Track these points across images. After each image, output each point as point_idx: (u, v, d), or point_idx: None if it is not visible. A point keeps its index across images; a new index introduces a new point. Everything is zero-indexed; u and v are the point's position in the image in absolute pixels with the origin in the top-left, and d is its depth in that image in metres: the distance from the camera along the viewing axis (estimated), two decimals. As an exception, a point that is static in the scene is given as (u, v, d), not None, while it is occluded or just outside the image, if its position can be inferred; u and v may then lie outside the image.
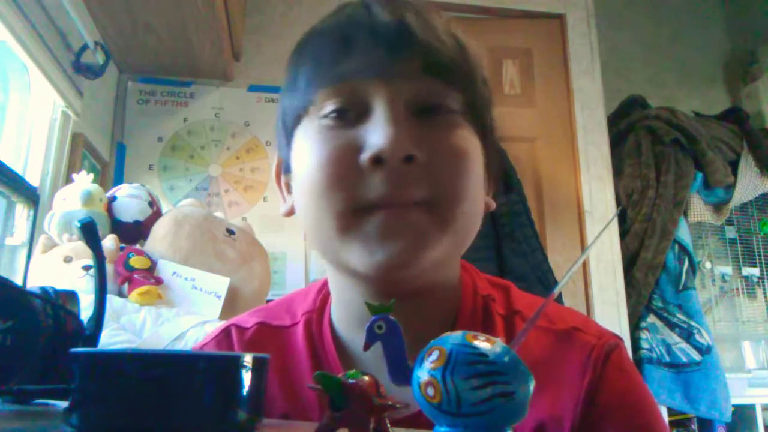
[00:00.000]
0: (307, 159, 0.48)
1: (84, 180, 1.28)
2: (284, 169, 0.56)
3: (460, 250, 0.50)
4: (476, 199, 0.48)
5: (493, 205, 0.55)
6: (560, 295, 1.90)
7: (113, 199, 1.32)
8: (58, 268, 1.12)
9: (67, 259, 1.13)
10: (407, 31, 0.46)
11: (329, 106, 0.47)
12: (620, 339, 0.53)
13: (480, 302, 0.54)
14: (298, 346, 0.55)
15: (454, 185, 0.46)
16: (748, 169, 2.49)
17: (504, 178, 1.89)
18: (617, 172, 2.34)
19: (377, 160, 0.43)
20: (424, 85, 0.46)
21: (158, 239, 1.26)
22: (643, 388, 0.52)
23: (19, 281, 1.30)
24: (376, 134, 0.44)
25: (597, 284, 2.13)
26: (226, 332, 0.58)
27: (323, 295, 0.58)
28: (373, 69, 0.46)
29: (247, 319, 0.59)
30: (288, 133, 0.52)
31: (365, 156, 0.44)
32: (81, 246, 1.15)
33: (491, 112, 0.53)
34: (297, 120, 0.50)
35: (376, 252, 0.45)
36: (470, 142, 0.48)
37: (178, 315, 1.09)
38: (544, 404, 0.48)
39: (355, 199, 0.45)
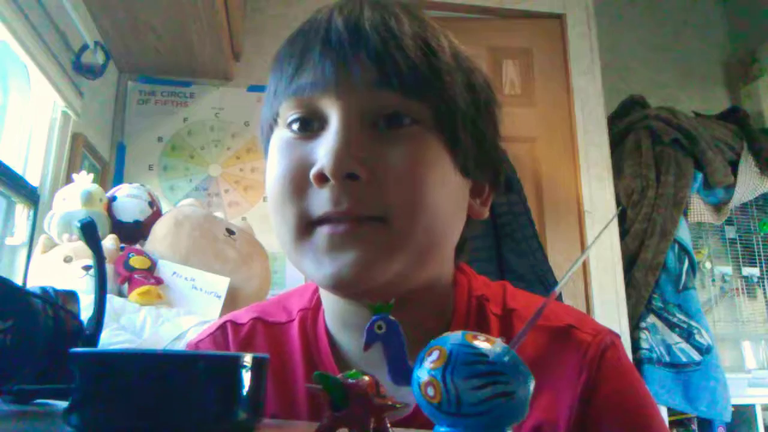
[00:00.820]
0: (271, 170, 0.49)
1: (84, 180, 1.28)
2: None
3: (427, 263, 0.48)
4: (440, 212, 0.46)
5: (483, 212, 0.54)
6: (560, 295, 1.90)
7: (113, 199, 1.32)
8: (58, 268, 1.12)
9: (67, 259, 1.13)
10: (361, 40, 0.45)
11: (291, 118, 0.48)
12: (617, 336, 0.53)
13: (474, 303, 0.54)
14: (292, 343, 0.56)
15: (406, 201, 0.45)
16: (748, 169, 2.49)
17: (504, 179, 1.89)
18: (617, 172, 2.34)
19: (321, 177, 0.44)
20: (379, 97, 0.45)
21: (158, 239, 1.26)
22: (640, 386, 0.51)
23: (19, 281, 1.30)
24: (322, 150, 0.44)
25: (597, 284, 2.13)
26: (222, 328, 0.59)
27: (319, 293, 0.58)
28: (326, 81, 0.45)
29: (243, 314, 0.59)
30: (264, 140, 0.53)
31: (311, 173, 0.45)
32: (81, 246, 1.15)
33: (483, 117, 0.51)
34: (270, 129, 0.51)
35: (324, 265, 0.45)
36: (430, 153, 0.46)
37: (178, 315, 1.09)
38: (540, 405, 0.48)
39: (306, 214, 0.46)
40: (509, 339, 0.28)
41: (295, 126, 0.48)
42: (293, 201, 0.46)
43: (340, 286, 0.46)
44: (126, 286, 1.14)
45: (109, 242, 1.18)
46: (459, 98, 0.48)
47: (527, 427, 0.47)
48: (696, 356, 2.15)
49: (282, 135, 0.49)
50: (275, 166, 0.48)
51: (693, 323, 2.21)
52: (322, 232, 0.45)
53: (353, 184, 0.44)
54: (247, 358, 0.32)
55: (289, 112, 0.48)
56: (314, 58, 0.46)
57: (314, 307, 0.57)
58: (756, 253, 2.69)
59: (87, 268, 1.10)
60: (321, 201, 0.45)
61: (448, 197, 0.48)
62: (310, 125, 0.47)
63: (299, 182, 0.46)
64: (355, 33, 0.46)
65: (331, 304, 0.55)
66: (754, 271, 2.67)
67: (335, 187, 0.44)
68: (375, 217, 0.45)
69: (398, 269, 0.46)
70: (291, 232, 0.47)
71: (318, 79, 0.46)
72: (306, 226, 0.46)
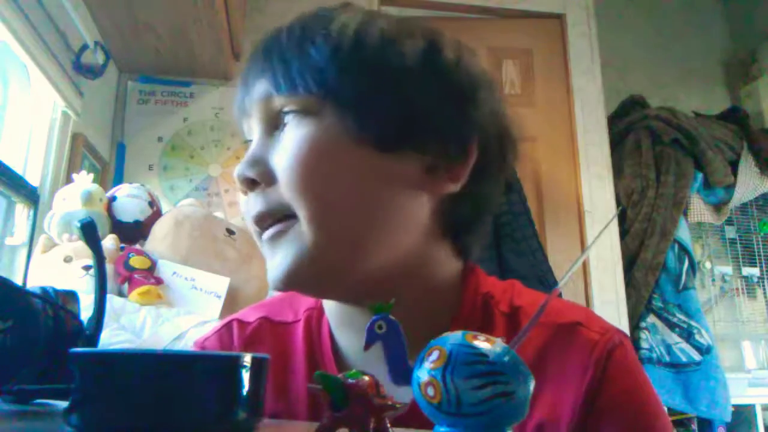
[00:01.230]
0: None
1: (84, 180, 1.28)
2: None
3: (362, 249, 0.47)
4: (343, 196, 0.46)
5: (450, 188, 0.49)
6: (560, 295, 1.90)
7: (113, 199, 1.32)
8: (58, 268, 1.12)
9: (67, 259, 1.13)
10: (258, 62, 0.51)
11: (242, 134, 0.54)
12: (625, 336, 0.51)
13: (479, 301, 0.53)
14: (296, 342, 0.56)
15: (297, 194, 0.45)
16: (748, 169, 2.49)
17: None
18: (617, 172, 2.34)
19: (242, 188, 0.49)
20: (270, 105, 0.49)
21: (158, 239, 1.26)
22: (647, 387, 0.50)
23: (19, 281, 1.30)
24: None
25: (597, 284, 2.13)
26: (227, 326, 0.59)
27: None
28: (242, 106, 0.52)
29: (251, 313, 0.60)
30: None
31: None
32: (81, 246, 1.15)
33: (414, 89, 0.48)
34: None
35: (268, 271, 0.49)
36: (315, 142, 0.46)
37: (178, 315, 1.09)
38: (544, 403, 0.47)
39: (252, 228, 0.51)
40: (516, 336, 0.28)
41: (245, 141, 0.53)
42: (246, 216, 0.52)
43: (280, 288, 0.48)
44: (126, 286, 1.14)
45: (109, 242, 1.18)
46: (352, 81, 0.47)
47: (530, 425, 0.47)
48: (696, 356, 2.15)
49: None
50: None
51: (693, 323, 2.21)
52: (262, 239, 0.50)
53: (260, 190, 0.48)
54: (247, 358, 0.32)
55: (240, 127, 0.55)
56: (240, 84, 0.53)
57: (319, 307, 0.57)
58: (756, 253, 2.70)
59: (87, 268, 1.10)
60: (248, 210, 0.50)
61: (348, 179, 0.46)
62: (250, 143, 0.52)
63: (243, 198, 0.51)
64: (255, 57, 0.52)
65: (330, 305, 0.55)
66: (754, 271, 2.67)
67: (250, 195, 0.49)
68: (289, 216, 0.47)
69: (325, 262, 0.46)
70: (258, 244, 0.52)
71: (239, 105, 0.53)
72: (256, 235, 0.51)
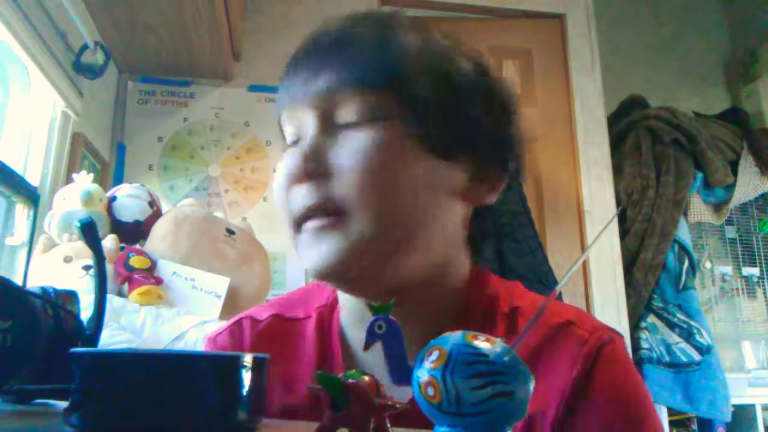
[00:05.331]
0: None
1: (84, 180, 1.28)
2: None
3: (402, 250, 0.49)
4: (397, 199, 0.48)
5: (487, 198, 0.54)
6: (560, 294, 1.90)
7: (113, 199, 1.32)
8: (58, 268, 1.12)
9: (67, 259, 1.13)
10: (321, 52, 0.51)
11: (284, 131, 0.54)
12: (617, 334, 0.52)
13: (485, 302, 0.55)
14: (307, 339, 0.57)
15: (352, 195, 0.47)
16: (748, 169, 2.49)
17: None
18: (617, 172, 2.34)
19: (290, 178, 0.49)
20: (337, 100, 0.49)
21: (158, 239, 1.26)
22: (637, 384, 0.51)
23: (19, 281, 1.30)
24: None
25: (597, 284, 2.13)
26: (239, 323, 0.61)
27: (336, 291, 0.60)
28: (298, 95, 0.51)
29: (263, 311, 0.61)
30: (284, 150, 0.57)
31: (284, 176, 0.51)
32: (81, 246, 1.15)
33: (465, 103, 0.51)
34: (281, 136, 0.56)
35: (304, 259, 0.50)
36: (380, 143, 0.47)
37: (178, 315, 1.09)
38: (534, 397, 0.48)
39: (291, 213, 0.51)
40: (513, 335, 0.28)
41: (287, 138, 0.53)
42: (283, 203, 0.51)
43: (320, 277, 0.50)
44: (126, 286, 1.14)
45: (109, 242, 1.18)
46: (421, 86, 0.49)
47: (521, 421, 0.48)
48: (696, 356, 2.15)
49: (283, 144, 0.55)
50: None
51: (693, 323, 2.21)
52: (303, 228, 0.50)
53: (313, 183, 0.48)
54: (247, 358, 0.32)
55: (283, 125, 0.54)
56: (290, 75, 0.53)
57: (331, 304, 0.59)
58: (756, 253, 2.69)
59: (87, 268, 1.10)
60: (296, 200, 0.49)
61: (409, 183, 0.48)
62: (296, 136, 0.52)
63: (285, 189, 0.51)
64: (317, 47, 0.52)
65: (345, 301, 0.57)
66: (754, 271, 2.67)
67: (303, 187, 0.49)
68: (339, 211, 0.48)
69: (371, 259, 0.48)
70: (289, 231, 0.52)
71: (294, 94, 0.52)
72: (293, 225, 0.51)
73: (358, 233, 0.47)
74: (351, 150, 0.48)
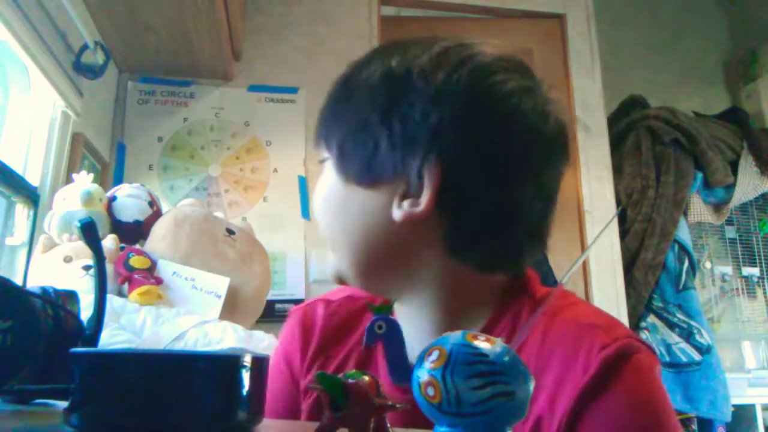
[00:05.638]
0: None
1: (84, 180, 1.27)
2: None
3: (340, 257, 0.58)
4: (338, 227, 0.57)
5: (407, 215, 0.52)
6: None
7: (113, 199, 1.32)
8: (58, 268, 1.12)
9: (67, 259, 1.13)
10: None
11: None
12: (648, 348, 0.51)
13: (518, 307, 0.55)
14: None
15: (320, 222, 0.59)
16: (748, 169, 2.49)
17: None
18: (617, 172, 2.34)
19: None
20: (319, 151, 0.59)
21: (158, 239, 1.26)
22: (656, 394, 0.49)
23: (19, 281, 1.30)
24: None
25: (597, 284, 2.13)
26: (313, 304, 0.67)
27: None
28: None
29: (336, 293, 0.67)
30: None
31: None
32: (81, 246, 1.15)
33: (373, 123, 0.53)
34: None
35: None
36: (323, 176, 0.58)
37: (178, 315, 1.09)
38: (545, 396, 0.48)
39: None
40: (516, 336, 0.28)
41: None
42: None
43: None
44: (126, 286, 1.13)
45: (109, 242, 1.18)
46: (335, 122, 0.56)
47: (530, 417, 0.48)
48: (696, 356, 2.15)
49: None
50: None
51: (693, 323, 2.21)
52: None
53: None
54: (247, 359, 0.32)
55: None
56: None
57: None
58: (756, 253, 2.69)
59: (87, 268, 1.10)
60: None
61: (332, 206, 0.57)
62: None
63: None
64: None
65: None
66: (754, 271, 2.67)
67: None
68: None
69: (337, 268, 0.58)
70: None
71: None
72: None
73: (337, 254, 0.60)
74: (316, 192, 0.61)
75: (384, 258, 0.55)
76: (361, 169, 0.53)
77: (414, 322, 0.56)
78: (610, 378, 0.47)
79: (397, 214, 0.52)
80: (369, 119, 0.53)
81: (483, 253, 0.54)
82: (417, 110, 0.51)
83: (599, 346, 0.48)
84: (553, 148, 0.55)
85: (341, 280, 0.58)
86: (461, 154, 0.51)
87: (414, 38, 0.56)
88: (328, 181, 0.57)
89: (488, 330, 0.54)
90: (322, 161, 0.58)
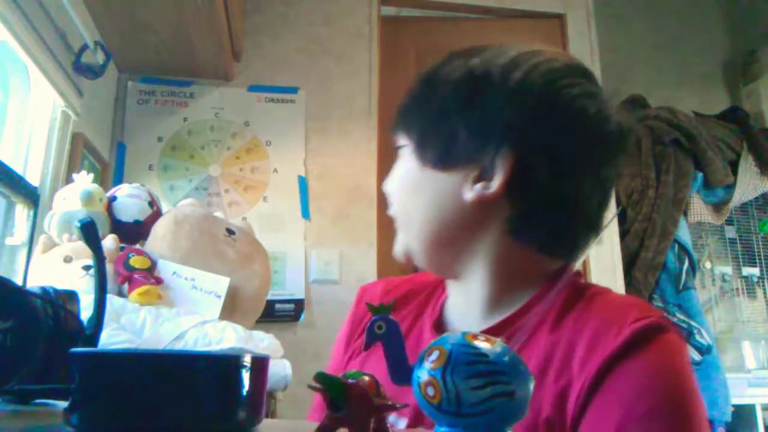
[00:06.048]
0: None
1: (84, 180, 1.27)
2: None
3: (404, 236, 0.64)
4: (413, 206, 0.62)
5: (479, 195, 0.58)
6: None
7: (113, 199, 1.32)
8: (58, 268, 1.12)
9: (67, 259, 1.13)
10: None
11: None
12: (675, 326, 0.53)
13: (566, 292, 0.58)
14: (434, 295, 0.69)
15: (394, 203, 0.65)
16: (748, 169, 2.49)
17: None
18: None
19: None
20: (395, 138, 0.65)
21: (158, 239, 1.26)
22: (682, 367, 0.51)
23: (19, 281, 1.30)
24: None
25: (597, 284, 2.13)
26: (374, 283, 0.76)
27: None
28: None
29: (400, 277, 0.75)
30: None
31: None
32: (81, 246, 1.15)
33: (454, 114, 0.59)
34: None
35: None
36: (402, 161, 0.63)
37: (178, 315, 1.09)
38: (577, 361, 0.50)
39: None
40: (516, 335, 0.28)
41: None
42: None
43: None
44: (126, 286, 1.13)
45: (109, 242, 1.18)
46: (416, 113, 0.62)
47: (558, 384, 0.50)
48: (696, 356, 2.15)
49: None
50: None
51: (693, 323, 2.21)
52: None
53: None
54: (247, 359, 0.32)
55: None
56: None
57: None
58: (756, 253, 2.69)
59: (87, 268, 1.10)
60: None
61: (407, 188, 0.63)
62: None
63: None
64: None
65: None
66: (754, 271, 2.67)
67: None
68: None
69: (403, 247, 0.64)
70: None
71: None
72: None
73: (401, 232, 0.66)
74: (393, 174, 0.67)
75: (451, 234, 0.60)
76: (440, 153, 0.59)
77: (464, 295, 0.63)
78: (641, 345, 0.49)
79: (469, 195, 0.58)
80: (450, 110, 0.59)
81: (541, 236, 0.59)
82: (494, 105, 0.57)
83: (633, 318, 0.51)
84: (612, 147, 0.61)
85: (408, 257, 0.63)
86: (532, 146, 0.56)
87: (488, 45, 0.62)
88: (405, 165, 0.63)
89: (526, 308, 0.58)
90: (398, 148, 0.64)
